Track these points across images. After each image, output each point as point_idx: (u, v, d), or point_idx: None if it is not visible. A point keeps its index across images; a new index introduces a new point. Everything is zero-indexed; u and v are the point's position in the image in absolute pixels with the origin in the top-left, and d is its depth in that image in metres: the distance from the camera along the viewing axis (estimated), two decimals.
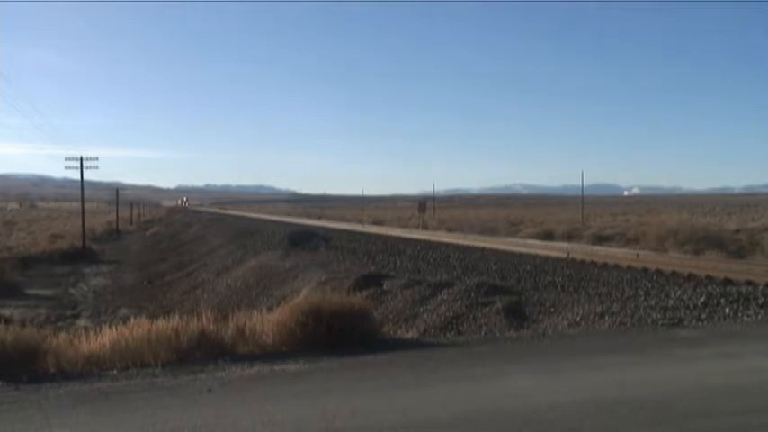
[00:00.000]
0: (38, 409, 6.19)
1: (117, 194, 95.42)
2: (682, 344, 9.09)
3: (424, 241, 34.43)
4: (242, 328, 9.13)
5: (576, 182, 74.41)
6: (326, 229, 46.96)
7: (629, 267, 19.54)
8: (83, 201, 57.04)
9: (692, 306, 11.95)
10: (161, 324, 8.66)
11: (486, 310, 13.76)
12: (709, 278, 16.15)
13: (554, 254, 24.66)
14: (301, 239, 34.28)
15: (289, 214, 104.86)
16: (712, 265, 19.41)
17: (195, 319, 8.97)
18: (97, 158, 55.93)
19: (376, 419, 5.70)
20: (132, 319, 9.14)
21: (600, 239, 34.35)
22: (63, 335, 9.17)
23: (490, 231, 44.51)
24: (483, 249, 28.16)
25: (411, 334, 12.95)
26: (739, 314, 11.45)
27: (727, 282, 15.31)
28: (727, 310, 11.67)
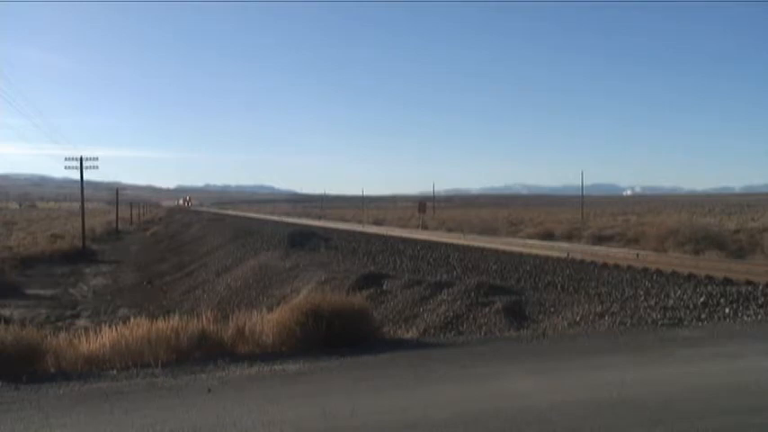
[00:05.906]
0: (38, 409, 6.18)
1: (117, 194, 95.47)
2: (682, 344, 9.08)
3: (424, 241, 34.42)
4: (242, 328, 9.12)
5: (576, 182, 74.52)
6: (326, 229, 46.95)
7: (629, 267, 19.54)
8: (83, 201, 57.02)
9: (692, 306, 11.95)
10: (161, 324, 8.65)
11: (486, 310, 13.75)
12: (709, 278, 16.15)
13: (554, 254, 24.65)
14: (301, 239, 34.28)
15: (289, 214, 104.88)
16: (712, 265, 19.40)
17: (195, 319, 8.96)
18: (97, 158, 56.29)
19: (376, 419, 5.69)
20: (132, 319, 9.11)
21: (600, 239, 34.36)
22: (63, 335, 9.14)
23: (490, 231, 44.52)
24: (483, 249, 28.15)
25: (411, 334, 12.93)
26: (739, 314, 11.45)
27: (727, 282, 15.31)
28: (727, 310, 11.66)
